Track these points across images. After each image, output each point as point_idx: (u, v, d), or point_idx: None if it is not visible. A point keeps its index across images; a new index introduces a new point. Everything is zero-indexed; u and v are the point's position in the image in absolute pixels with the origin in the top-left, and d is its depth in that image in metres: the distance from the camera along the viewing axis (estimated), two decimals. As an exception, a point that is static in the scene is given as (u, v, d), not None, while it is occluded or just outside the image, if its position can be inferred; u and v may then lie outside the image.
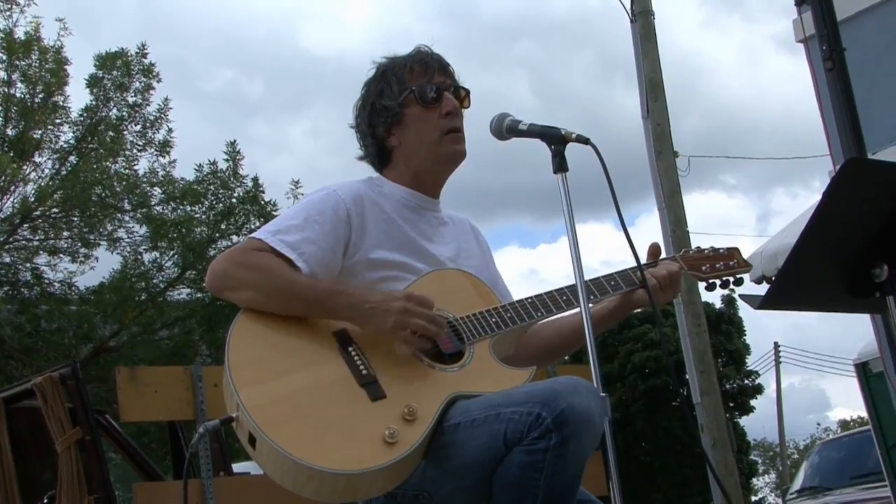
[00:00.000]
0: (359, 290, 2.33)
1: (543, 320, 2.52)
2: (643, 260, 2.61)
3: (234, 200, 15.94)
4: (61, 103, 15.47)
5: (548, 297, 2.51)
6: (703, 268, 2.74)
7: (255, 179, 16.01)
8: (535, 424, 2.01)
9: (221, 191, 15.92)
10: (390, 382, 2.19)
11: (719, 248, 2.80)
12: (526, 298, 2.51)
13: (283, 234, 2.37)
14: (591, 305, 2.51)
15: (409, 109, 2.57)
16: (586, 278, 2.43)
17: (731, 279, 2.76)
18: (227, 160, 15.95)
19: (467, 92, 2.66)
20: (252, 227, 15.49)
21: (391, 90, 2.57)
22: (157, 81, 15.96)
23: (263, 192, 16.04)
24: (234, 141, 16.13)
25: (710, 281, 2.76)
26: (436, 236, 2.62)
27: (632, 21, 13.20)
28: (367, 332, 2.27)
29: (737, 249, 2.82)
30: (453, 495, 2.18)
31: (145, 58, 15.80)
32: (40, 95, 15.19)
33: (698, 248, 2.79)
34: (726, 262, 2.76)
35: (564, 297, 2.51)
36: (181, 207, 15.83)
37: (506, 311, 2.45)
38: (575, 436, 2.00)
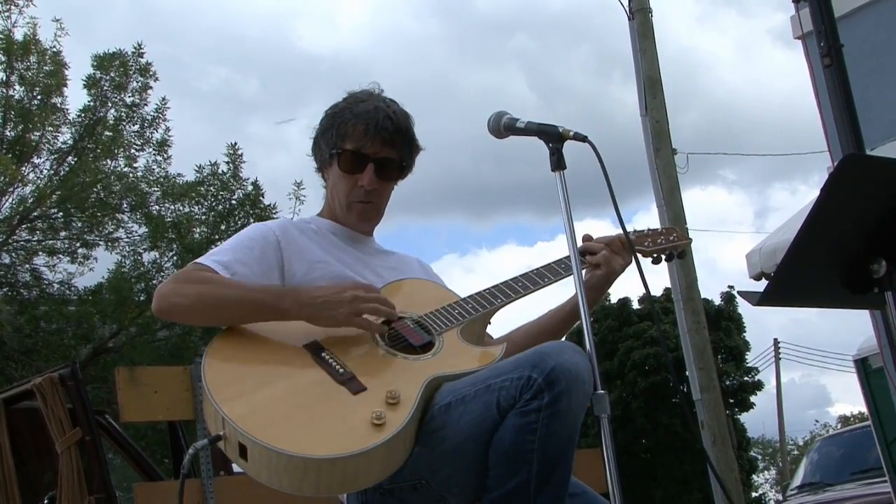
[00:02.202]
0: (306, 287, 2.40)
1: (505, 306, 2.60)
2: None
3: (233, 202, 15.93)
4: (59, 105, 15.46)
5: (504, 285, 2.61)
6: (646, 243, 2.89)
7: (256, 183, 16.04)
8: (526, 387, 2.06)
9: (222, 192, 15.91)
10: (368, 377, 2.23)
11: (657, 228, 2.98)
12: (484, 289, 2.60)
13: (215, 256, 2.46)
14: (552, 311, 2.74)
15: (332, 166, 2.67)
16: (538, 267, 2.65)
17: (675, 252, 2.94)
18: (227, 162, 15.96)
19: (403, 166, 2.70)
20: (251, 228, 15.45)
21: (330, 137, 2.66)
22: (155, 80, 15.96)
23: (263, 196, 16.07)
24: (236, 143, 16.13)
25: (655, 255, 2.90)
26: (375, 257, 2.73)
27: (630, 18, 13.21)
28: (322, 325, 2.32)
29: (675, 227, 3.07)
30: (450, 478, 2.20)
31: (142, 57, 15.79)
32: (39, 97, 15.18)
33: (635, 230, 2.93)
34: (666, 237, 2.94)
35: (520, 284, 2.62)
36: (180, 207, 15.82)
37: (466, 302, 2.55)
38: (566, 393, 2.05)
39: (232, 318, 2.34)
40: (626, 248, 2.71)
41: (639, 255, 2.74)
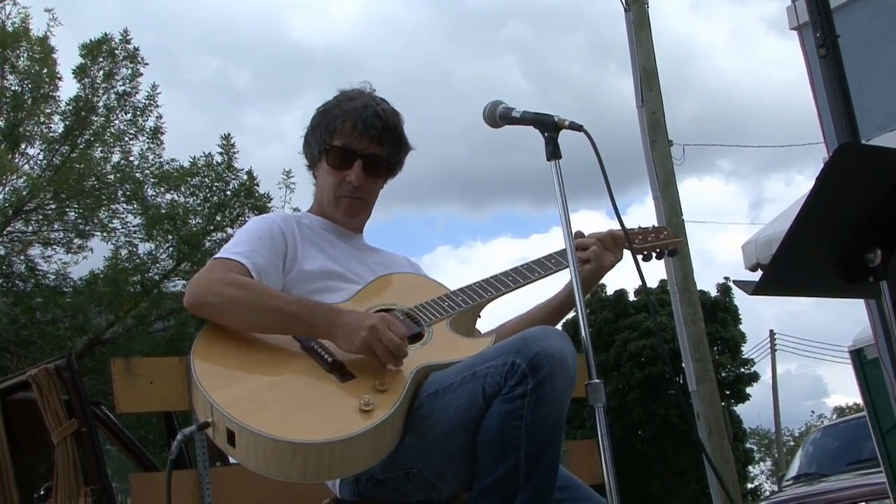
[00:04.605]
0: (336, 307, 2.38)
1: (495, 299, 2.61)
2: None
3: (228, 193, 15.92)
4: (50, 93, 15.39)
5: (494, 279, 2.63)
6: (636, 241, 2.90)
7: (250, 173, 16.02)
8: (511, 373, 2.08)
9: (216, 183, 15.90)
10: (357, 365, 2.23)
11: (648, 226, 3.01)
12: (474, 282, 2.62)
13: (238, 249, 2.47)
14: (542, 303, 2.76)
15: (321, 162, 2.69)
16: (529, 261, 2.66)
17: (666, 250, 2.97)
18: (221, 153, 15.94)
19: (391, 163, 2.72)
20: (246, 219, 15.48)
21: (320, 134, 2.68)
22: (144, 66, 15.91)
23: (258, 186, 16.06)
24: (229, 134, 16.12)
25: (645, 252, 2.93)
26: (365, 252, 2.75)
27: (626, 10, 13.19)
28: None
29: (665, 227, 3.11)
30: (441, 466, 2.21)
31: (129, 43, 15.73)
32: (29, 86, 15.12)
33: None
34: (657, 235, 2.97)
35: (510, 278, 2.64)
36: (175, 197, 15.81)
37: (456, 295, 2.57)
38: (550, 378, 2.06)
39: (262, 325, 2.33)
40: (617, 244, 2.74)
41: (632, 250, 2.75)
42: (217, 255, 2.48)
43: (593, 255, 2.70)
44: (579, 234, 2.77)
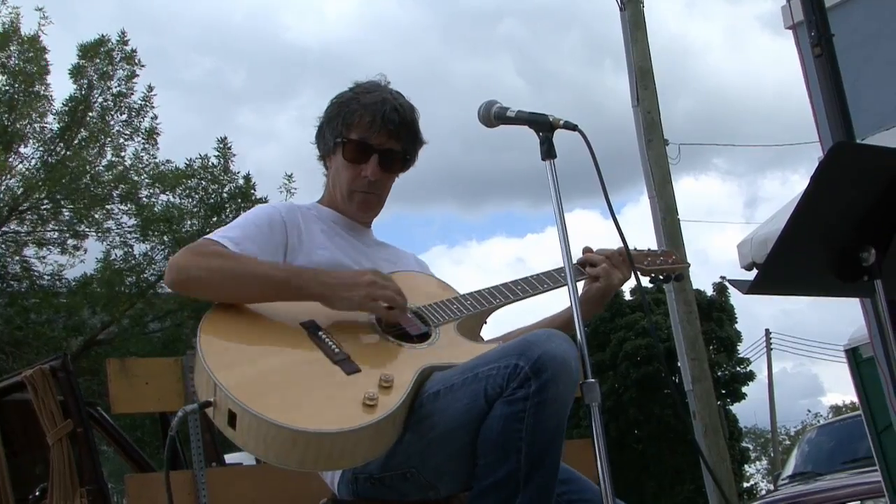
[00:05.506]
0: (324, 269, 2.41)
1: (502, 307, 2.63)
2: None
3: (224, 195, 15.91)
4: (43, 92, 15.36)
5: (504, 287, 2.64)
6: (645, 262, 2.92)
7: (248, 177, 16.01)
8: (513, 375, 2.07)
9: (212, 186, 15.89)
10: (363, 359, 2.24)
11: (656, 249, 3.04)
12: (484, 288, 2.63)
13: (225, 232, 2.46)
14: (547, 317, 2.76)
15: (336, 155, 2.67)
16: (538, 273, 2.67)
17: (672, 275, 2.99)
18: (217, 156, 15.93)
19: (406, 159, 2.72)
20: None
21: (336, 126, 2.66)
22: (140, 67, 15.90)
23: (255, 190, 16.06)
24: (225, 137, 16.13)
25: (653, 274, 2.95)
26: (374, 248, 2.75)
27: (621, 9, 13.20)
28: (336, 308, 2.33)
29: (673, 251, 3.15)
30: (440, 467, 2.21)
31: (126, 45, 15.73)
32: (21, 86, 15.09)
33: (635, 248, 2.95)
34: (665, 259, 3.00)
35: (520, 287, 2.65)
36: (170, 198, 15.80)
37: (465, 299, 2.58)
38: (553, 381, 2.06)
39: (250, 293, 2.33)
40: (625, 262, 2.73)
41: (636, 265, 2.77)
42: (205, 237, 2.47)
43: (602, 272, 2.70)
44: (587, 250, 2.78)
